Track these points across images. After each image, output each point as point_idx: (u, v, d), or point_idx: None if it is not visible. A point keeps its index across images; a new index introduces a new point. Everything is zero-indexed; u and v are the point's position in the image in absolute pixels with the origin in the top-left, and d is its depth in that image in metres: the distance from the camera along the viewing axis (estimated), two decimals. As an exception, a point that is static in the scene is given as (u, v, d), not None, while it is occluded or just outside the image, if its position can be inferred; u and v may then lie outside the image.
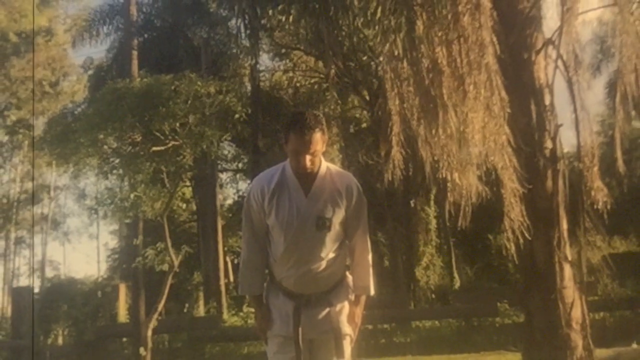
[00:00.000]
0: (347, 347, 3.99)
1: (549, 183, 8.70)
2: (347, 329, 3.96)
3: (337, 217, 3.92)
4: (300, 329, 3.86)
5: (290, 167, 3.93)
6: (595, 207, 8.60)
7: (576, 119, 8.81)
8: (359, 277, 4.07)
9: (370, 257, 4.10)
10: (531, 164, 8.59)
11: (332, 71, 17.64)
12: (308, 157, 3.77)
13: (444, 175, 8.55)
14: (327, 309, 3.92)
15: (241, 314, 21.15)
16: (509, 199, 8.02)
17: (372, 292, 4.11)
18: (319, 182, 3.91)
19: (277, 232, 3.92)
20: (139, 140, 12.94)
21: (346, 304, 4.02)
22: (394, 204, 20.70)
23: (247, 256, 4.08)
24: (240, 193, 30.17)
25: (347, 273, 4.13)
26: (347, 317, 4.00)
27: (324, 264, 3.90)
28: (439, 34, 8.34)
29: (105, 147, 13.20)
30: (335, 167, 4.08)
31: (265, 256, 4.04)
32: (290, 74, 25.65)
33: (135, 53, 18.61)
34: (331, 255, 3.93)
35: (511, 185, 7.99)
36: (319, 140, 3.78)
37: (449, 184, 8.63)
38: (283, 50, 24.79)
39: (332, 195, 3.92)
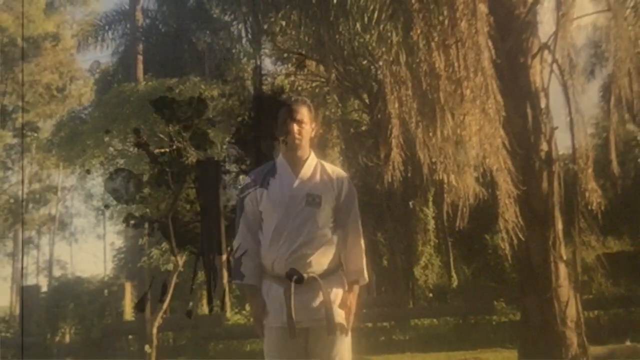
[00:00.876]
0: (343, 337, 3.97)
1: (545, 184, 8.73)
2: (340, 317, 3.93)
3: (327, 199, 3.99)
4: (293, 314, 3.82)
5: (281, 153, 4.11)
6: (589, 208, 8.63)
7: (571, 121, 8.84)
8: (351, 262, 4.07)
9: (362, 242, 4.11)
10: (527, 165, 8.62)
11: (333, 75, 17.67)
12: (295, 126, 3.98)
13: (441, 177, 8.58)
14: (320, 296, 3.89)
15: (244, 312, 21.12)
16: (503, 200, 8.05)
17: (366, 277, 4.10)
18: (309, 165, 4.05)
19: (269, 212, 3.98)
20: (144, 142, 12.95)
21: (340, 293, 3.98)
22: (393, 205, 20.68)
23: (241, 245, 4.09)
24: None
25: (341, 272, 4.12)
26: (340, 304, 3.98)
27: (314, 241, 3.91)
28: (436, 39, 8.35)
29: (111, 148, 13.24)
30: (326, 163, 4.19)
31: (259, 246, 4.04)
32: (292, 78, 25.64)
33: (140, 57, 18.66)
34: (322, 234, 3.95)
35: (506, 186, 8.01)
36: (305, 112, 4.03)
37: (446, 186, 8.65)
38: (285, 55, 24.78)
39: (323, 178, 4.04)
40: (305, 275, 3.87)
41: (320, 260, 3.92)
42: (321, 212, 3.95)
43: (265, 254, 3.99)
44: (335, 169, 4.16)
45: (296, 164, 4.02)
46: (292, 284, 3.84)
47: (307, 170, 4.02)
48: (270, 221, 3.97)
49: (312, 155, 4.09)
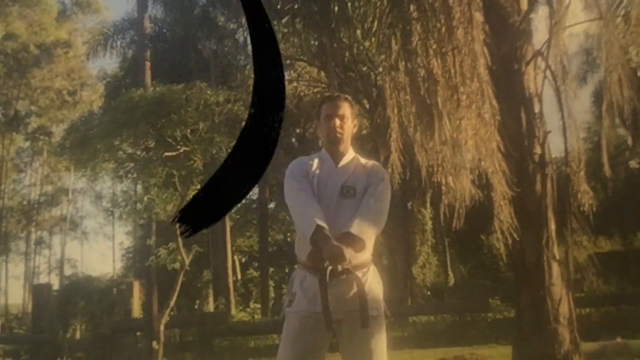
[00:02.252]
0: (381, 329, 3.86)
1: (538, 186, 8.73)
2: (374, 310, 3.80)
3: (360, 189, 3.91)
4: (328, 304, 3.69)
5: (324, 147, 4.07)
6: (581, 209, 8.64)
7: (564, 126, 8.85)
8: (355, 217, 3.80)
9: (376, 216, 3.87)
10: (521, 168, 8.62)
11: (334, 81, 17.67)
12: (337, 121, 3.95)
13: (439, 179, 8.57)
14: (354, 288, 3.76)
15: (248, 309, 21.19)
16: (498, 201, 8.05)
17: (356, 231, 3.72)
18: (348, 157, 4.01)
19: None
20: (152, 146, 12.95)
21: (375, 286, 3.87)
22: (392, 206, 20.51)
23: (301, 201, 3.87)
24: (248, 196, 30.24)
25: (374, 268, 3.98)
26: (377, 299, 3.86)
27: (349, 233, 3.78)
28: (434, 46, 8.36)
29: (121, 152, 13.23)
30: (360, 157, 4.11)
31: (316, 201, 3.86)
32: (295, 84, 25.61)
33: (148, 64, 18.64)
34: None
35: (501, 188, 8.02)
36: (347, 107, 4.01)
37: (443, 187, 8.65)
38: (288, 61, 24.77)
39: (357, 170, 3.98)
40: (339, 267, 3.71)
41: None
42: (355, 201, 3.87)
43: (300, 245, 3.90)
44: (369, 161, 4.10)
45: (337, 157, 3.98)
46: (327, 274, 3.69)
47: (345, 160, 3.98)
48: None
49: (351, 149, 4.06)
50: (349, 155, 4.03)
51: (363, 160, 4.05)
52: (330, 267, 3.70)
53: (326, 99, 4.13)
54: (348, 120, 4.00)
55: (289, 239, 28.51)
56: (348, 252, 3.62)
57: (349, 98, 4.11)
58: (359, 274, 3.81)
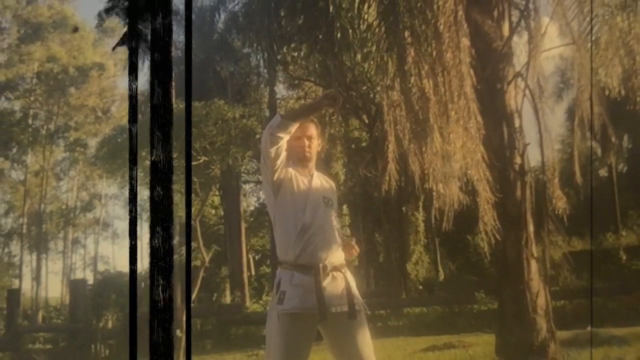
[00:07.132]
0: (365, 323, 3.86)
1: (518, 192, 8.72)
2: (357, 306, 3.80)
3: (334, 200, 4.02)
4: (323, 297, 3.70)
5: (291, 164, 3.98)
6: (556, 212, 8.64)
7: (541, 138, 8.85)
8: None
9: None
10: (503, 176, 8.62)
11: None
12: (306, 141, 3.95)
13: (430, 186, 8.58)
14: (341, 284, 3.78)
15: (261, 302, 21.15)
16: (483, 206, 8.06)
17: None
18: (316, 175, 4.02)
19: (290, 214, 3.86)
20: (175, 156, 13.01)
21: (353, 286, 3.84)
22: (388, 210, 20.63)
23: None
24: (261, 201, 30.23)
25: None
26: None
27: (333, 236, 3.86)
28: (426, 67, 8.37)
29: (147, 162, 13.28)
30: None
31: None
32: (302, 102, 25.63)
33: (172, 83, 18.70)
34: (337, 229, 3.93)
35: (485, 194, 8.02)
36: (313, 128, 4.02)
37: (434, 193, 8.66)
38: (296, 81, 24.76)
39: (325, 185, 4.04)
40: (328, 265, 3.76)
41: (338, 253, 3.84)
42: (333, 211, 3.94)
43: (289, 248, 3.81)
44: (330, 180, 4.17)
45: (306, 173, 3.96)
46: (321, 270, 3.72)
47: (315, 179, 3.97)
48: (295, 220, 3.81)
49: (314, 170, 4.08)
50: (315, 172, 4.06)
51: (322, 176, 4.10)
52: (321, 264, 3.75)
53: None
54: (315, 140, 4.01)
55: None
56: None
57: (315, 120, 4.12)
58: (344, 270, 3.86)
